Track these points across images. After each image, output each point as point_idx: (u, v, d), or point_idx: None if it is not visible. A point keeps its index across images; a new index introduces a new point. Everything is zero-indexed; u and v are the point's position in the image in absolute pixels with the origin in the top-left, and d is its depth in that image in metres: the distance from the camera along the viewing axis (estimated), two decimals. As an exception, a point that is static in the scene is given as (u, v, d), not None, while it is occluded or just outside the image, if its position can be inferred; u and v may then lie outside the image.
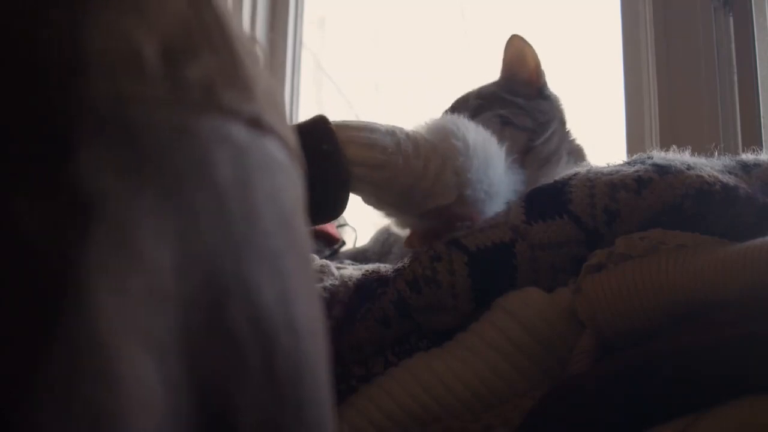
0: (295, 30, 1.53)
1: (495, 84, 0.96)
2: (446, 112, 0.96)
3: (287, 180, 0.28)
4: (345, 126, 0.66)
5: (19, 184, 0.20)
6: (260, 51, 0.29)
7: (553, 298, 0.59)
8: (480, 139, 0.69)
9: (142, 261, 0.21)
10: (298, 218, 0.29)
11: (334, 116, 0.68)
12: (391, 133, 0.67)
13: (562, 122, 0.95)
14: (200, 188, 0.23)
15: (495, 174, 0.69)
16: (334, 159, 0.63)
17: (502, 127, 0.85)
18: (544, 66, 0.95)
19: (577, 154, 0.94)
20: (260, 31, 1.48)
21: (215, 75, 0.25)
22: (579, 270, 0.57)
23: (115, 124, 0.21)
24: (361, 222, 1.05)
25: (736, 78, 1.10)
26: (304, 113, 1.55)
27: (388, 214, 0.73)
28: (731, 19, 1.12)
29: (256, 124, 0.26)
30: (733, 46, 1.11)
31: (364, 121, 0.69)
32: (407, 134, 0.68)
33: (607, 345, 0.55)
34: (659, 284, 0.52)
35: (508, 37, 0.95)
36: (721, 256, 0.51)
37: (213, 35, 0.26)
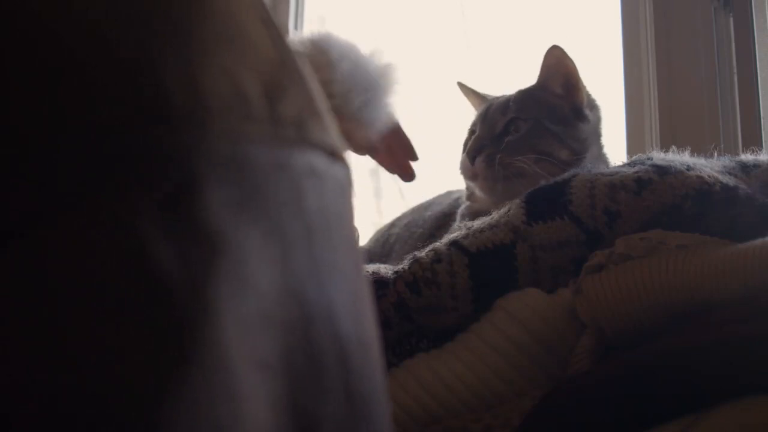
0: (295, 30, 1.53)
1: (534, 101, 0.89)
2: (485, 109, 0.93)
3: (348, 202, 0.30)
4: None
5: (153, 221, 0.21)
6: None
7: (554, 299, 0.59)
8: (347, 48, 0.65)
9: (255, 288, 0.23)
10: (356, 238, 0.31)
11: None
12: None
13: (598, 135, 0.92)
14: (295, 218, 0.25)
15: (365, 78, 0.64)
16: None
17: (539, 161, 0.83)
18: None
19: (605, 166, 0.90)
20: (260, 32, 1.48)
21: (302, 111, 0.27)
22: (579, 271, 0.58)
23: (230, 161, 0.23)
24: (361, 222, 1.05)
25: (736, 78, 1.10)
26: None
27: None
28: (731, 19, 1.12)
29: (332, 153, 0.28)
30: (733, 46, 1.11)
31: None
32: None
33: (607, 345, 0.55)
34: (659, 284, 0.52)
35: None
36: (721, 256, 0.51)
37: (294, 74, 0.28)
